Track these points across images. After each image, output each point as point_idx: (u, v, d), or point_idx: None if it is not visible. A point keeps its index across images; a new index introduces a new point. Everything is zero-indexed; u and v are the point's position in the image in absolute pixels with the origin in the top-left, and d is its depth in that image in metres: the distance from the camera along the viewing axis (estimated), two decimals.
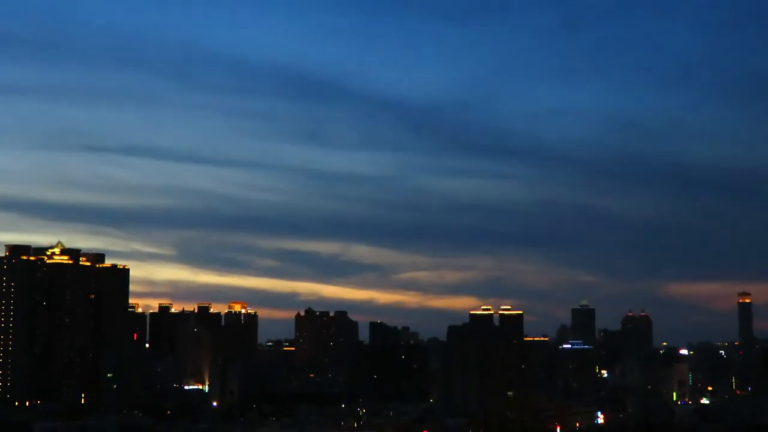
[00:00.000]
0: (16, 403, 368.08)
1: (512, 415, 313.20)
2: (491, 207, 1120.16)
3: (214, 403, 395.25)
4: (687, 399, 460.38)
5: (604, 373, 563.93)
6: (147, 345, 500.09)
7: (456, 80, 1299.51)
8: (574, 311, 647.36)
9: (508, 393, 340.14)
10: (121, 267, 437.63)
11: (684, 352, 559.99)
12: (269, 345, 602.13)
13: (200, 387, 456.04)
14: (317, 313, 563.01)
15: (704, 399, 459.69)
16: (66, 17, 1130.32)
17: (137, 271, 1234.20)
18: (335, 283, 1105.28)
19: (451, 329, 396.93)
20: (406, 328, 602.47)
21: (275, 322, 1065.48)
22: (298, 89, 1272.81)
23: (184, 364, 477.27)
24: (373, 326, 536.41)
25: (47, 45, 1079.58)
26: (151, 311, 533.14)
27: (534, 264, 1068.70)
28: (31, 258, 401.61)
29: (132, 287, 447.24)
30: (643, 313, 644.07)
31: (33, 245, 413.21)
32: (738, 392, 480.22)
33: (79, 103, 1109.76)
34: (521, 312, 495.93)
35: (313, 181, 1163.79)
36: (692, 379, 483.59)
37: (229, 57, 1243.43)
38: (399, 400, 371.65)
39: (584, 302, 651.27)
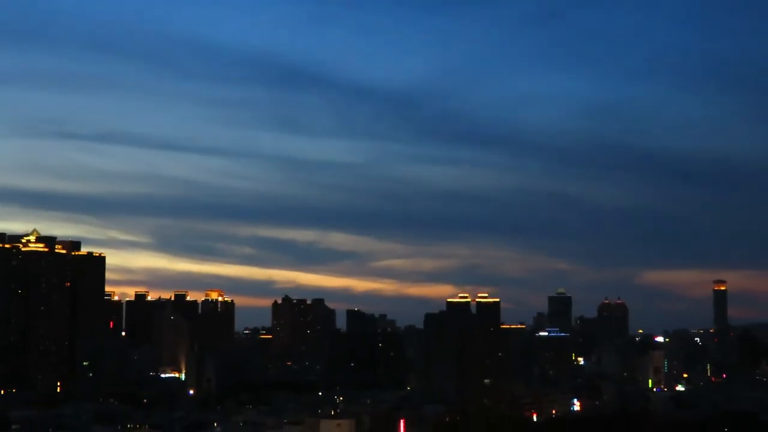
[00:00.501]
0: None
1: (489, 403, 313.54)
2: (468, 195, 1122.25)
3: (191, 392, 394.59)
4: (662, 386, 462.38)
5: (581, 360, 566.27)
6: (123, 333, 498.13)
7: (433, 68, 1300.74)
8: (550, 299, 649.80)
9: (485, 380, 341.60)
10: (97, 255, 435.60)
11: (660, 339, 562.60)
12: (246, 333, 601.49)
13: (177, 375, 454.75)
14: (294, 301, 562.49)
15: (680, 386, 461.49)
16: (40, 3, 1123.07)
17: (113, 259, 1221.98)
18: (312, 271, 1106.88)
19: (428, 317, 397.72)
20: (383, 316, 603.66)
21: (252, 309, 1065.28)
22: (275, 77, 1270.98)
23: (161, 353, 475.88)
24: (351, 314, 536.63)
25: (21, 31, 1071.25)
26: (128, 299, 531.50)
27: (511, 252, 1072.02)
28: (6, 246, 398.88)
29: (108, 275, 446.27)
30: (619, 301, 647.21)
31: (8, 233, 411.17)
32: (713, 379, 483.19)
33: (55, 89, 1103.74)
34: (498, 300, 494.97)
35: (290, 168, 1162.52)
36: (668, 366, 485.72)
37: (205, 44, 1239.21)
38: (376, 387, 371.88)
39: (561, 290, 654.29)
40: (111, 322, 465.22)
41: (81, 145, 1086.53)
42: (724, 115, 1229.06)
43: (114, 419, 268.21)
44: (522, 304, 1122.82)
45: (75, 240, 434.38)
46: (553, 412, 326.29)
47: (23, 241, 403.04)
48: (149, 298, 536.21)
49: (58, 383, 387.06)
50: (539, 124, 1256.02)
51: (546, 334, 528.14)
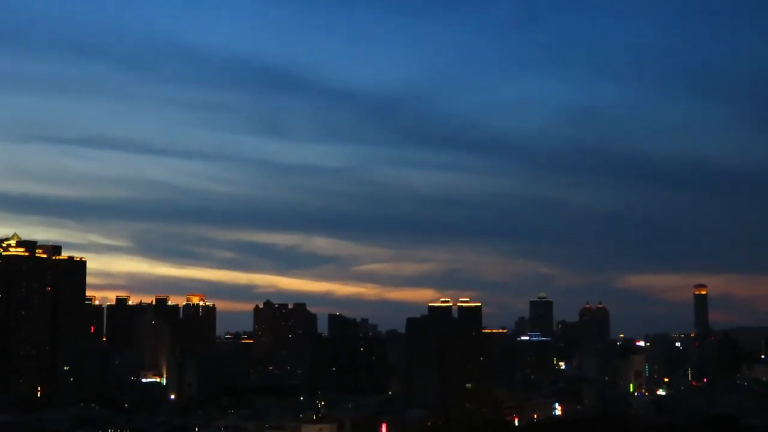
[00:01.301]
0: None
1: (471, 407, 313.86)
2: (449, 199, 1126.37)
3: (172, 396, 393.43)
4: (644, 390, 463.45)
5: (562, 364, 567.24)
6: (104, 338, 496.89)
7: (414, 72, 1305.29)
8: (532, 303, 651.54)
9: (467, 385, 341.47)
10: (78, 259, 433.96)
11: (641, 343, 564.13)
12: (228, 337, 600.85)
13: (158, 380, 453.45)
14: (276, 306, 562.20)
15: (660, 390, 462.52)
16: (23, 7, 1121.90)
17: (94, 264, 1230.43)
18: (294, 275, 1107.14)
19: (410, 321, 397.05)
20: (365, 321, 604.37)
21: (233, 314, 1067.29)
22: (257, 81, 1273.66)
23: (142, 357, 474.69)
24: (332, 318, 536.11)
25: (3, 34, 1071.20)
26: (109, 304, 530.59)
27: (492, 256, 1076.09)
28: None
29: (89, 279, 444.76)
30: (601, 305, 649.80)
31: None
32: (694, 383, 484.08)
33: (36, 93, 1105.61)
34: (480, 304, 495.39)
35: (272, 172, 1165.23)
36: (649, 371, 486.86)
37: (187, 48, 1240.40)
38: (358, 392, 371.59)
39: (542, 294, 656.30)
40: (92, 327, 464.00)
41: (62, 149, 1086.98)
42: (706, 119, 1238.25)
43: (95, 424, 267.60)
44: (504, 308, 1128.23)
45: (56, 244, 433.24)
46: (535, 416, 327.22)
47: (3, 245, 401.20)
48: (130, 302, 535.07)
49: (39, 388, 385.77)
50: (521, 128, 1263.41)
51: (527, 338, 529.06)
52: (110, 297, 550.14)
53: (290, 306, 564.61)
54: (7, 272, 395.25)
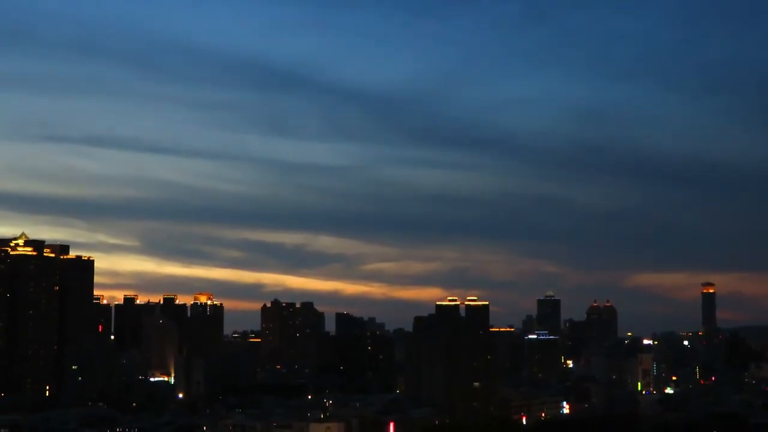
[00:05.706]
0: None
1: (478, 406, 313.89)
2: (456, 198, 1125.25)
3: (180, 395, 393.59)
4: (651, 389, 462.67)
5: (570, 363, 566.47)
6: (112, 337, 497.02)
7: (420, 71, 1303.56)
8: (539, 302, 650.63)
9: (474, 383, 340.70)
10: (86, 258, 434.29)
11: (648, 342, 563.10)
12: (235, 336, 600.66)
13: (166, 379, 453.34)
14: (283, 304, 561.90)
15: (668, 388, 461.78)
16: (27, 5, 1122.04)
17: (102, 263, 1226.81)
18: (301, 274, 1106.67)
19: (417, 320, 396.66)
20: (372, 319, 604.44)
21: (241, 313, 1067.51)
22: (263, 80, 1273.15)
23: (150, 356, 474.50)
24: (339, 317, 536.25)
25: (8, 34, 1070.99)
26: (116, 303, 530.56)
27: (499, 255, 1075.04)
28: None
29: (97, 279, 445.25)
30: (608, 304, 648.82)
31: None
32: (702, 382, 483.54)
33: (42, 93, 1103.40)
34: (487, 303, 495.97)
35: (278, 171, 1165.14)
36: (656, 369, 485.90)
37: (193, 47, 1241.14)
38: (365, 391, 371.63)
39: (549, 293, 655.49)
40: (99, 326, 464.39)
41: (69, 149, 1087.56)
42: (712, 117, 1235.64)
43: (102, 423, 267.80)
44: (511, 306, 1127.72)
45: (63, 244, 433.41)
46: (542, 415, 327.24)
47: (11, 244, 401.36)
48: (138, 301, 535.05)
49: (47, 387, 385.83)
50: (527, 127, 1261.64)
51: (535, 337, 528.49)
52: (118, 296, 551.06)
53: (297, 305, 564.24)
54: (15, 272, 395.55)
